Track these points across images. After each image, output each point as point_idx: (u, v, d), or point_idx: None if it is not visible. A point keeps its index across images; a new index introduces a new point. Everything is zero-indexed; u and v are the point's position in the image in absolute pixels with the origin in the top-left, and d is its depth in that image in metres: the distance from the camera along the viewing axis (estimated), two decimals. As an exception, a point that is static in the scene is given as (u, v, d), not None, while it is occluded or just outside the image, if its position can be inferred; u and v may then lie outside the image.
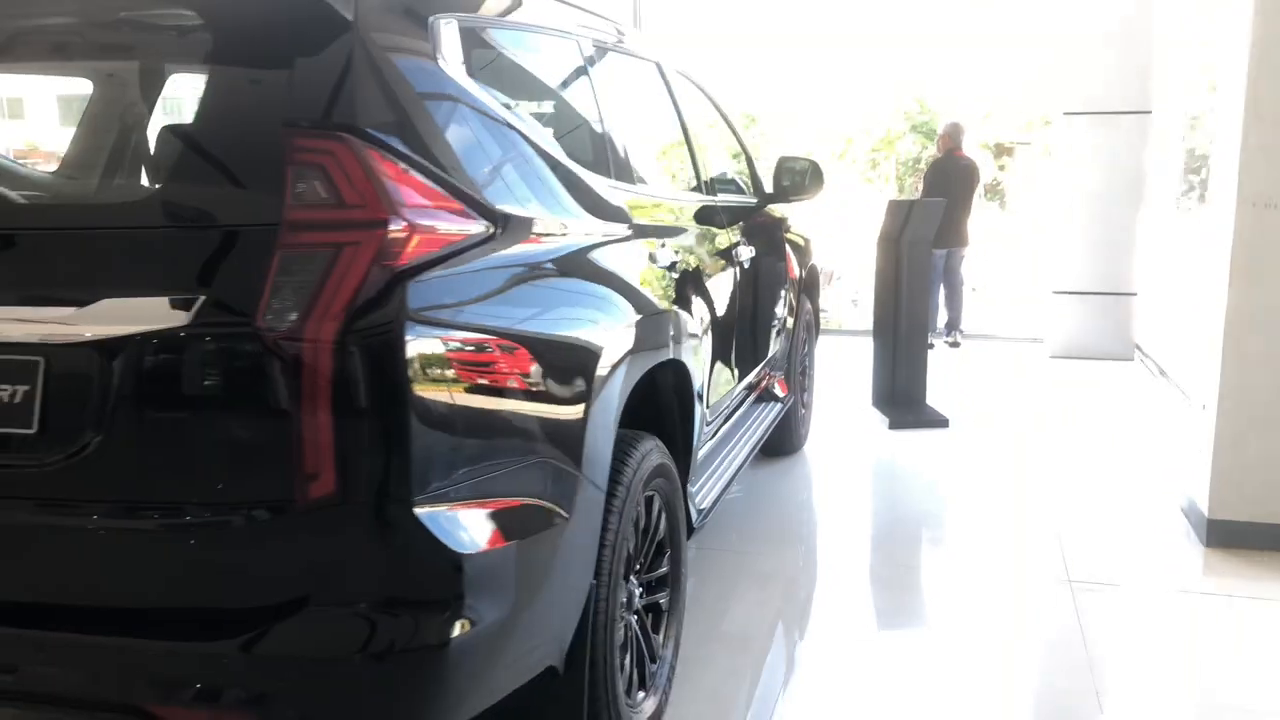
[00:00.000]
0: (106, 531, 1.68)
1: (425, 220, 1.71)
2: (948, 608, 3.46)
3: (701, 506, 3.18)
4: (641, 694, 2.59)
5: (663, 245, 2.76)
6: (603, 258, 2.27)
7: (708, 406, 3.25)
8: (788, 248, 4.70)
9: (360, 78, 1.71)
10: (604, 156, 2.61)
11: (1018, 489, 4.74)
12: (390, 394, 1.60)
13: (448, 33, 1.97)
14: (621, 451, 2.39)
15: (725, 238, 3.54)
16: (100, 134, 2.05)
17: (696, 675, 2.95)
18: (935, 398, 6.05)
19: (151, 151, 1.97)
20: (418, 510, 1.64)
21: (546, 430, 1.92)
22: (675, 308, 2.70)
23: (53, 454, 1.67)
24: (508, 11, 2.37)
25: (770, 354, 4.39)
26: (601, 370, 2.07)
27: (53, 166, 2.07)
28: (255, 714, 1.65)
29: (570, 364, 2.00)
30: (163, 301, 1.62)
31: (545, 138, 2.24)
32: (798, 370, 5.00)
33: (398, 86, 1.80)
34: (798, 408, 5.02)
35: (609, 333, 2.13)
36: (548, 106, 2.65)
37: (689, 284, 2.93)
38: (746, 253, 3.72)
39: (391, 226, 1.64)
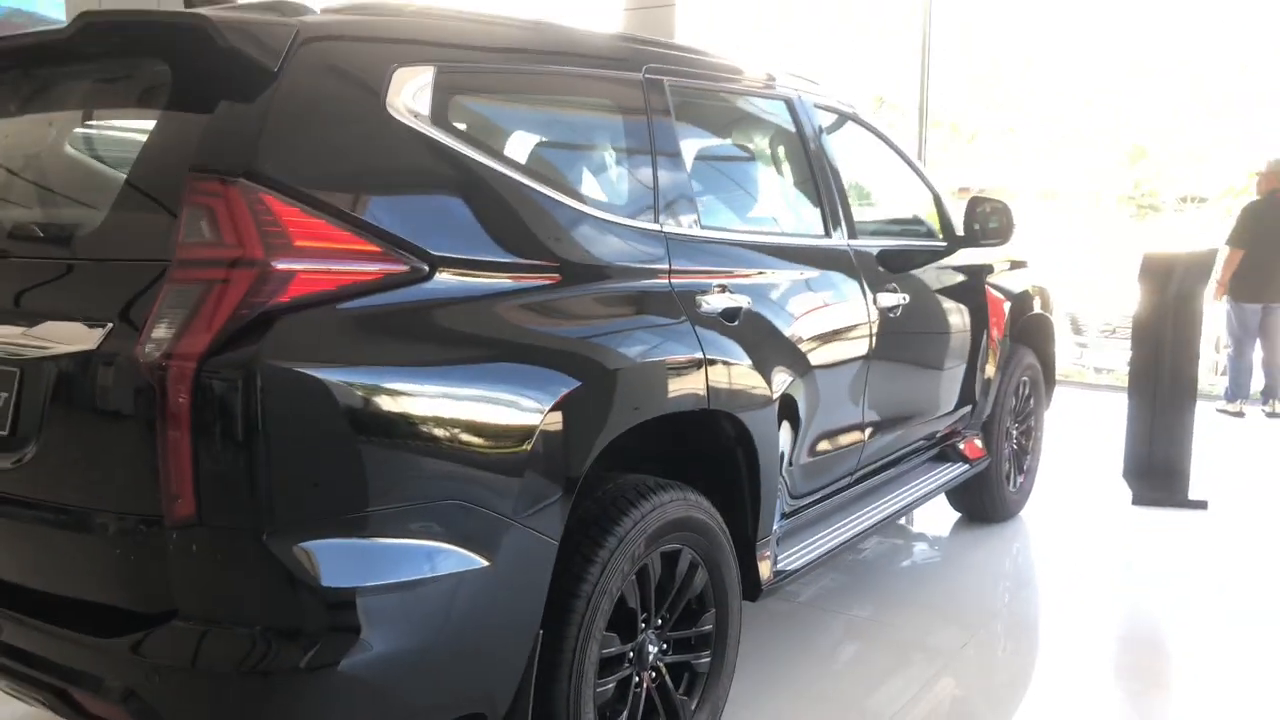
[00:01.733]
0: (35, 528, 1.90)
1: (315, 262, 1.77)
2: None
3: (784, 569, 2.99)
4: (650, 756, 2.48)
5: (721, 289, 2.64)
6: (577, 302, 2.22)
7: (801, 464, 3.06)
8: (991, 295, 4.31)
9: (274, 126, 1.81)
10: (645, 197, 2.55)
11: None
12: (245, 426, 1.67)
13: (411, 82, 2.02)
14: (611, 500, 2.31)
15: (858, 284, 3.31)
16: (34, 169, 2.27)
17: (745, 747, 2.78)
18: (1217, 473, 5.25)
19: (87, 189, 2.19)
20: (269, 541, 1.69)
21: (454, 474, 1.91)
22: (723, 357, 2.57)
23: (11, 456, 1.91)
24: (515, 55, 2.38)
25: (945, 412, 4.04)
26: (544, 419, 2.02)
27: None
28: (125, 708, 1.78)
29: (492, 410, 1.97)
30: (84, 325, 1.81)
31: (536, 180, 2.22)
32: (1003, 431, 4.55)
33: (324, 135, 1.88)
34: (999, 472, 4.56)
35: (557, 381, 2.07)
36: (564, 145, 2.62)
37: (763, 332, 2.77)
38: (893, 300, 3.45)
39: (271, 265, 1.72)
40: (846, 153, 3.62)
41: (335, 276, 1.80)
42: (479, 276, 2.03)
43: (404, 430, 1.84)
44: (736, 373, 2.64)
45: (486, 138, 2.27)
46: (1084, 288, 11.19)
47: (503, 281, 2.06)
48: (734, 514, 2.77)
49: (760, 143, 3.50)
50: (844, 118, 3.78)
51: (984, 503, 4.64)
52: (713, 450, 2.74)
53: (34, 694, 1.94)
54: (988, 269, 4.33)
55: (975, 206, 4.03)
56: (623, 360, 2.25)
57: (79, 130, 2.25)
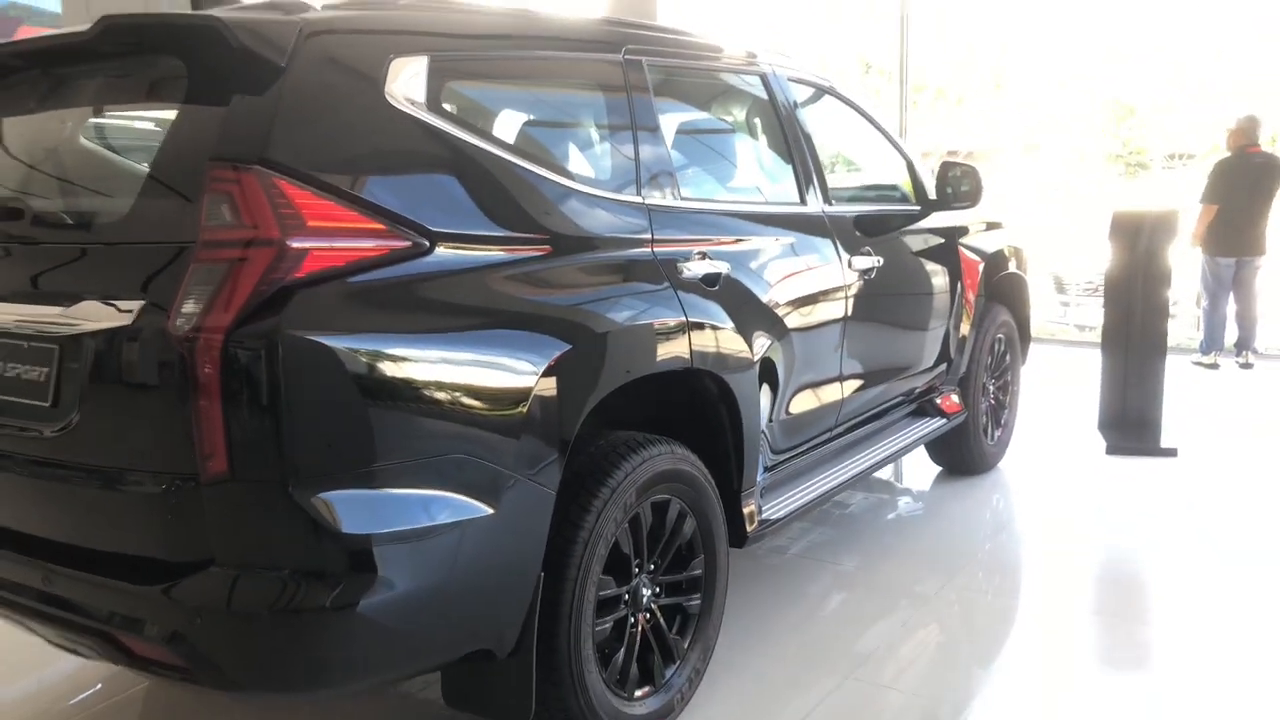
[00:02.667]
0: (80, 490, 2.09)
1: (326, 240, 1.95)
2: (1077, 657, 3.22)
3: (769, 518, 3.19)
4: (646, 689, 2.68)
5: (701, 256, 2.82)
6: (566, 271, 2.39)
7: (781, 420, 3.25)
8: (965, 256, 4.49)
9: (284, 116, 1.98)
10: (628, 171, 2.72)
11: (1246, 540, 4.22)
12: (269, 389, 1.86)
13: (407, 70, 2.19)
14: (604, 454, 2.50)
15: (833, 248, 3.49)
16: (60, 162, 2.45)
17: (727, 679, 2.98)
18: (1189, 423, 5.46)
19: (111, 179, 2.37)
20: (294, 492, 1.88)
21: (458, 433, 2.09)
22: (705, 320, 2.75)
23: (54, 425, 2.09)
24: (502, 42, 2.55)
25: (921, 369, 4.23)
26: (539, 380, 2.21)
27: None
28: (170, 649, 1.97)
29: (492, 372, 2.15)
30: (118, 304, 1.99)
31: (524, 158, 2.40)
32: (979, 386, 4.75)
33: (329, 122, 2.06)
34: (976, 426, 4.77)
35: (550, 344, 2.25)
36: (551, 124, 2.80)
37: (742, 295, 2.95)
38: (868, 262, 3.63)
39: (287, 244, 1.90)
40: (821, 124, 3.79)
41: (344, 253, 1.98)
42: (475, 250, 2.21)
43: (410, 392, 2.02)
44: (718, 335, 2.82)
45: (478, 120, 2.44)
46: (1068, 247, 11.38)
47: (497, 254, 2.25)
48: (719, 467, 2.96)
49: (737, 116, 3.67)
50: (819, 91, 3.94)
51: (963, 456, 4.85)
52: (698, 408, 2.93)
53: (83, 640, 2.13)
54: (962, 230, 4.51)
55: (946, 171, 4.21)
56: (610, 324, 2.43)
57: (99, 123, 2.42)
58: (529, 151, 2.48)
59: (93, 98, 2.39)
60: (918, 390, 4.32)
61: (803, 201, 3.48)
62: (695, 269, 2.78)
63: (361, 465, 1.97)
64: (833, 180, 3.75)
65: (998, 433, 5.06)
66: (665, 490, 2.68)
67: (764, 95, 3.51)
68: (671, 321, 2.64)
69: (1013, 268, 4.96)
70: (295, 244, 1.91)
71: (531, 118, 2.74)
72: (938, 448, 4.85)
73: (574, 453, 2.40)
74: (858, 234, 3.70)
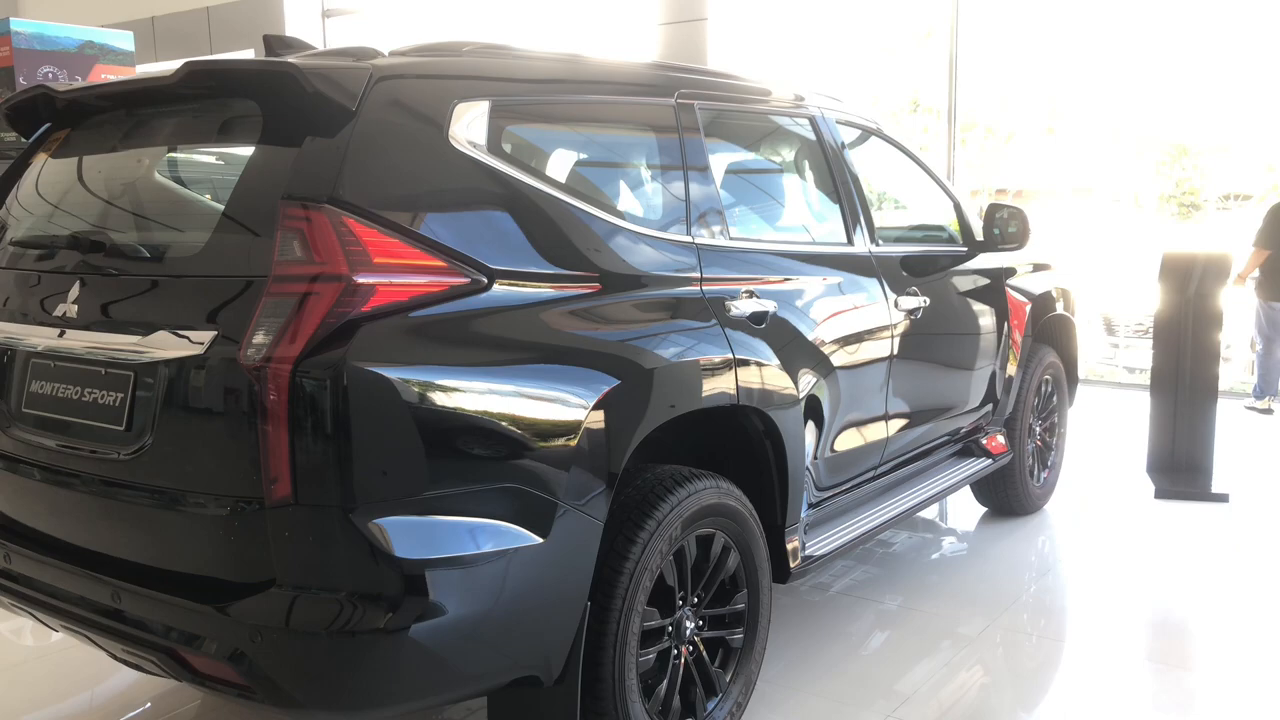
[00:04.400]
0: (150, 511, 2.19)
1: (392, 276, 2.04)
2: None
3: (813, 554, 3.22)
4: (687, 722, 2.72)
5: (749, 294, 2.89)
6: (616, 308, 2.47)
7: (826, 458, 3.29)
8: (1012, 297, 4.51)
9: (354, 157, 2.08)
10: (678, 211, 2.80)
11: None
12: (333, 418, 1.94)
13: (469, 114, 2.29)
14: (651, 487, 2.56)
15: (880, 288, 3.53)
16: (137, 197, 2.56)
17: (767, 715, 3.00)
18: (1241, 468, 5.40)
19: (187, 214, 2.49)
20: (355, 517, 1.96)
21: (511, 463, 2.17)
22: (752, 357, 2.81)
23: (127, 448, 2.19)
24: (559, 86, 2.65)
25: (967, 409, 4.24)
26: (588, 414, 2.27)
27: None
28: (233, 666, 2.05)
29: (544, 405, 2.22)
30: (190, 334, 2.09)
31: (579, 199, 2.48)
32: (1026, 427, 4.74)
33: (396, 163, 2.16)
34: (1022, 467, 4.76)
35: (599, 379, 2.32)
36: (603, 165, 2.88)
37: (789, 334, 3.01)
38: (914, 302, 3.67)
39: (354, 279, 1.99)
40: (868, 165, 3.85)
41: (408, 289, 2.07)
42: (529, 286, 2.29)
43: (465, 423, 2.10)
44: (764, 372, 2.87)
45: (534, 161, 2.54)
46: (1118, 288, 11.27)
47: (549, 291, 2.32)
48: (763, 502, 3.01)
49: (786, 157, 3.73)
50: (866, 132, 4.01)
51: (1009, 497, 4.84)
52: (743, 443, 2.98)
53: (148, 656, 2.22)
54: (1009, 271, 4.53)
55: (994, 212, 4.24)
56: (657, 360, 2.50)
57: (175, 159, 2.55)
58: (582, 191, 2.57)
59: (171, 136, 2.51)
60: (963, 430, 4.33)
61: (849, 241, 3.53)
62: (743, 307, 2.85)
63: (417, 492, 2.04)
64: (880, 220, 3.79)
65: (1044, 474, 5.04)
66: (710, 524, 2.73)
67: (812, 136, 3.58)
68: (718, 358, 2.70)
69: (1060, 309, 4.97)
70: (362, 279, 2.00)
71: (585, 158, 2.83)
72: (983, 488, 4.84)
73: (621, 485, 2.46)
74: (904, 274, 3.74)
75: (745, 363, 2.79)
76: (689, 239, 2.79)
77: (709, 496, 2.69)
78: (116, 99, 2.51)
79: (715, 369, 2.69)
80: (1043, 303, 4.79)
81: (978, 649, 3.51)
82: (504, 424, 2.15)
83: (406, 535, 2.02)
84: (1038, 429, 4.94)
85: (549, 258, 2.36)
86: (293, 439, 1.95)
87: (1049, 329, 4.90)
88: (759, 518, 2.93)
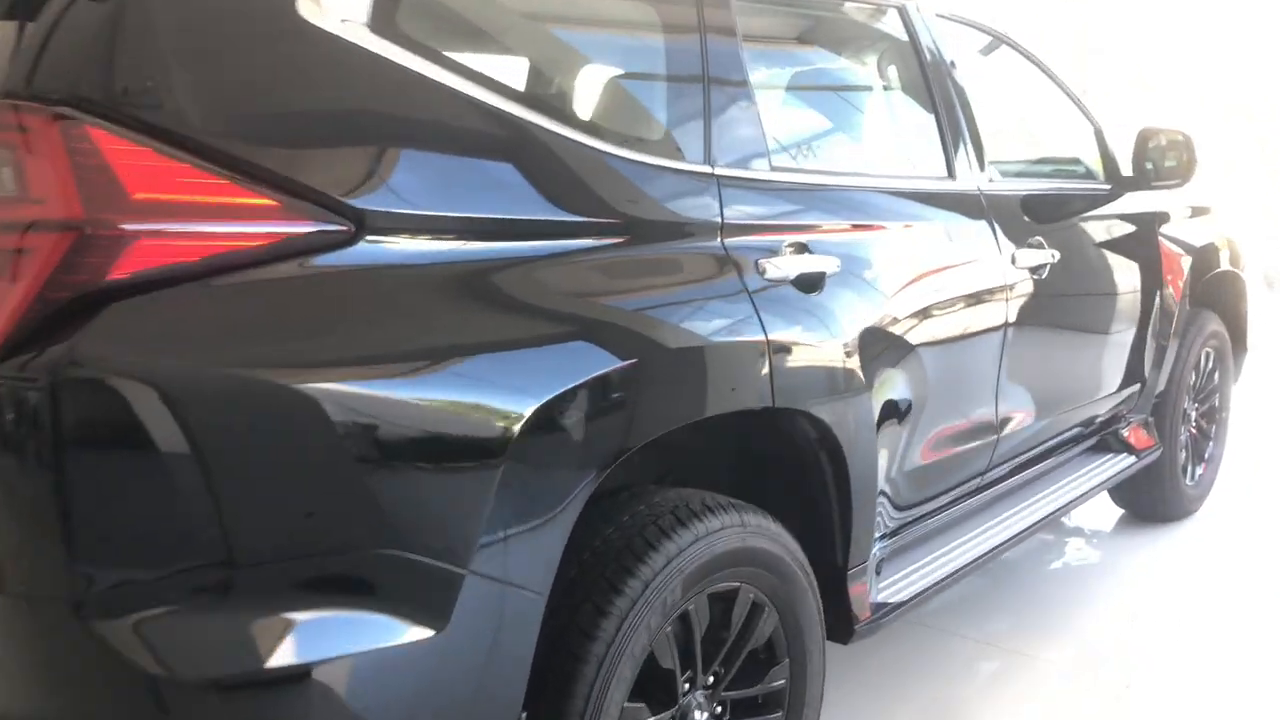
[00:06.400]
0: None
1: (170, 222, 1.27)
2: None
3: (888, 601, 2.38)
4: None
5: (797, 249, 2.03)
6: (566, 271, 1.64)
7: (910, 469, 2.43)
8: (1166, 249, 3.52)
9: (122, 33, 1.30)
10: (688, 128, 1.95)
11: None
12: (45, 456, 1.18)
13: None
14: (633, 533, 1.76)
15: (992, 238, 2.62)
16: None
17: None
18: None
19: None
20: (88, 615, 1.21)
21: (378, 512, 1.38)
22: (796, 339, 1.97)
23: None
24: None
25: (1105, 394, 3.30)
26: (514, 432, 1.47)
27: None
28: None
29: (445, 421, 1.43)
30: None
31: (519, 106, 1.65)
32: (1179, 413, 3.75)
33: (200, 44, 1.36)
34: (1173, 463, 3.77)
35: (540, 380, 1.51)
36: (575, 63, 2.02)
37: (856, 303, 2.15)
38: (1038, 257, 2.75)
39: (96, 227, 1.22)
40: (981, 77, 2.91)
41: (200, 241, 1.29)
42: (428, 239, 1.48)
43: (296, 455, 1.32)
44: (815, 357, 2.03)
45: (449, 47, 1.67)
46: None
47: (455, 246, 1.51)
48: (818, 535, 2.18)
49: (863, 62, 2.81)
50: (979, 33, 3.06)
51: (1153, 498, 3.86)
52: (789, 456, 2.15)
53: None
54: (1162, 217, 3.54)
55: (1147, 139, 3.26)
56: (633, 348, 1.66)
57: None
58: (527, 96, 1.74)
59: None
60: (1100, 419, 3.39)
61: (950, 174, 2.62)
62: (786, 266, 1.99)
63: (207, 570, 1.28)
64: (995, 149, 2.87)
65: (1200, 470, 4.04)
66: (732, 576, 1.92)
67: (901, 34, 2.66)
68: (741, 341, 1.86)
69: (1226, 264, 3.93)
70: (111, 227, 1.23)
71: (540, 50, 1.97)
72: (1120, 487, 3.85)
73: (588, 531, 1.68)
74: (1026, 219, 2.82)
75: (786, 347, 1.95)
76: (705, 168, 1.94)
77: (729, 539, 1.87)
78: None
79: (736, 357, 1.86)
80: (1205, 257, 3.77)
81: (1107, 701, 2.62)
82: (363, 452, 1.36)
83: (184, 641, 1.26)
84: (1194, 415, 3.95)
85: (460, 194, 1.54)
86: None
87: (1212, 289, 3.89)
88: (810, 557, 2.10)
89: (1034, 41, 3.39)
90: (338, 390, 1.33)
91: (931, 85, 2.64)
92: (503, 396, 1.48)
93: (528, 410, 1.49)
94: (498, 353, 1.50)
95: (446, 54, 1.60)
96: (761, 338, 1.89)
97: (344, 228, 1.39)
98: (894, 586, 2.42)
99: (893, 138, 2.77)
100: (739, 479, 2.18)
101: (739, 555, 1.90)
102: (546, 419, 1.51)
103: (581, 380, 1.56)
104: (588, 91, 1.92)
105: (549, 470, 1.54)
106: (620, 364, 1.63)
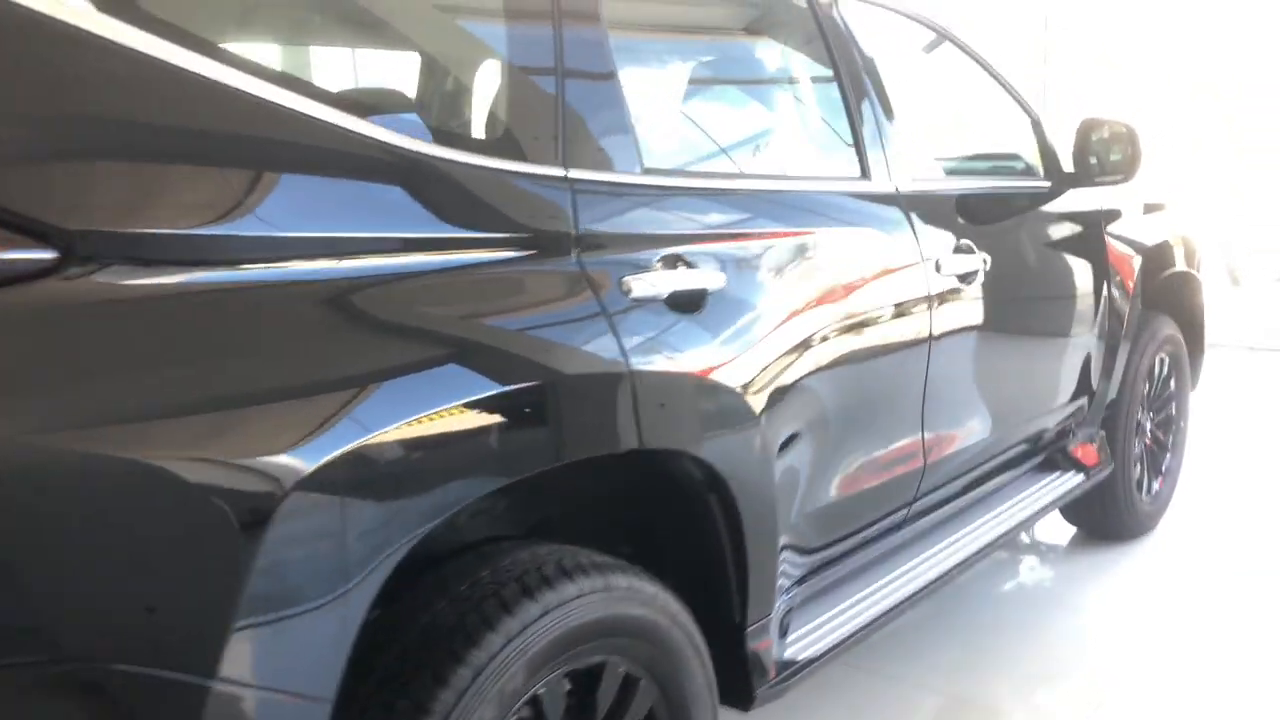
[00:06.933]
0: None
1: None
2: None
3: (798, 659, 2.10)
4: None
5: (673, 262, 1.75)
6: (355, 296, 1.34)
7: (821, 507, 2.15)
8: (1114, 250, 3.27)
9: None
10: (534, 123, 1.66)
11: None
12: None
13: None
14: (473, 607, 1.47)
15: (912, 243, 2.36)
16: None
17: None
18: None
19: None
20: None
21: (78, 613, 1.08)
22: (669, 366, 1.69)
23: None
24: None
25: (1049, 407, 3.05)
26: (279, 492, 1.17)
27: None
28: None
29: (171, 494, 1.13)
30: None
31: (298, 94, 1.35)
32: (1132, 425, 3.51)
33: None
34: (1126, 479, 3.52)
35: (314, 426, 1.21)
36: (374, 44, 1.73)
37: (747, 322, 1.87)
38: (967, 264, 2.49)
39: None
40: (898, 62, 2.65)
41: None
42: (164, 269, 1.18)
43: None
44: (694, 388, 1.75)
45: (202, 27, 1.37)
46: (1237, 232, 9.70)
47: (204, 275, 1.20)
48: (708, 590, 1.90)
49: (761, 50, 2.54)
50: (903, 17, 2.80)
51: (1107, 516, 3.61)
52: (676, 503, 1.87)
53: None
54: (1110, 215, 3.30)
55: (1089, 132, 3.01)
56: (449, 389, 1.37)
57: None
58: (311, 85, 1.44)
59: None
60: (1044, 436, 3.13)
61: (864, 174, 2.35)
62: (656, 283, 1.70)
63: None
64: (922, 146, 2.61)
65: (1157, 485, 3.79)
66: (596, 650, 1.63)
67: (809, 21, 2.38)
68: (597, 374, 1.58)
69: (1181, 264, 3.70)
70: None
71: (320, 28, 1.67)
72: (1072, 505, 3.59)
73: (411, 611, 1.41)
74: (955, 221, 2.56)
75: (657, 377, 1.67)
76: (555, 171, 1.65)
77: (589, 609, 1.58)
78: None
79: (591, 393, 1.58)
80: (1158, 256, 3.53)
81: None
82: (54, 532, 1.06)
83: None
84: (1149, 425, 3.70)
85: (202, 207, 1.23)
86: None
87: (1166, 291, 3.64)
88: (704, 615, 1.83)
89: (995, 20, 3.13)
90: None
91: (842, 76, 2.36)
92: (262, 454, 1.18)
93: (297, 471, 1.19)
94: (256, 404, 1.20)
95: (194, 32, 1.29)
96: (623, 368, 1.61)
97: (44, 254, 1.09)
98: (805, 640, 2.15)
99: (795, 134, 2.49)
100: (638, 526, 1.91)
101: (603, 626, 1.62)
102: (327, 479, 1.21)
103: (371, 433, 1.26)
104: (396, 77, 1.63)
105: (331, 541, 1.25)
106: (425, 411, 1.33)
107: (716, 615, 1.92)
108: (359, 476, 1.25)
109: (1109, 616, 3.17)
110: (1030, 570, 3.66)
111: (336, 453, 1.21)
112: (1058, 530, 3.83)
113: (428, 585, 1.53)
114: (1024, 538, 3.85)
